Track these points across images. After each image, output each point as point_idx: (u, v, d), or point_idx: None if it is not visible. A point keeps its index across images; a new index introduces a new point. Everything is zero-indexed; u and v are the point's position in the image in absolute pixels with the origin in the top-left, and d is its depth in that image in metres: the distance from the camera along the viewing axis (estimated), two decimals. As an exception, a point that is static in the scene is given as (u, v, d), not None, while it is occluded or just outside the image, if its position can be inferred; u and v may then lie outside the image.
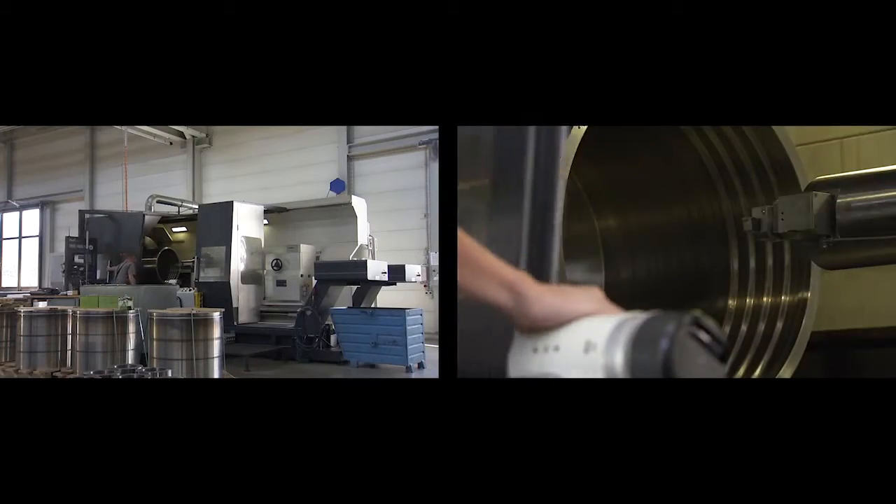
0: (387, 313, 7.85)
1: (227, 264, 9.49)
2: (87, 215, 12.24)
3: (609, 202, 4.09)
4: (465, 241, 1.04)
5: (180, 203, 13.09)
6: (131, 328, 6.30)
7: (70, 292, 10.02)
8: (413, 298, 10.30)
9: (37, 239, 18.97)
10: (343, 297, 8.88)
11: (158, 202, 12.67)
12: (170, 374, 4.83)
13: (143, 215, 11.74)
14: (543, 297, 1.02)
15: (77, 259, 11.15)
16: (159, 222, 12.20)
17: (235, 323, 9.23)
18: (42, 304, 8.47)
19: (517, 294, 1.02)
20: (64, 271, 11.36)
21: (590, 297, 1.03)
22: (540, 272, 1.14)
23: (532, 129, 1.18)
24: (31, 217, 19.19)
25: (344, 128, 12.88)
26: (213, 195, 14.39)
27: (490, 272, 1.03)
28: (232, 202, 9.90)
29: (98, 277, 11.01)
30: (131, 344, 6.28)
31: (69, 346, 6.66)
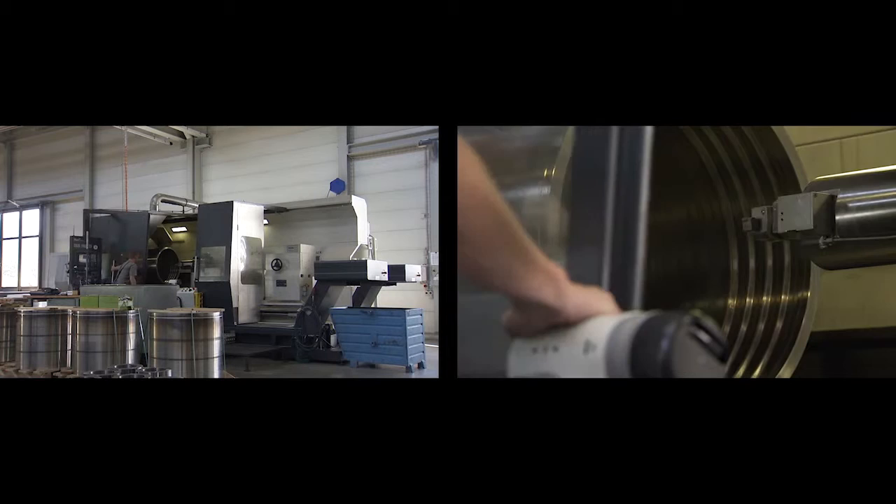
0: (387, 313, 7.85)
1: (227, 264, 9.49)
2: (91, 215, 12.19)
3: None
4: (517, 232, 0.95)
5: (185, 202, 13.06)
6: (131, 328, 6.30)
7: (70, 292, 10.01)
8: (413, 298, 10.30)
9: (37, 239, 18.97)
10: (343, 297, 8.88)
11: (163, 201, 12.62)
12: (170, 374, 4.82)
13: (148, 215, 11.68)
14: (577, 295, 1.01)
15: (81, 259, 11.14)
16: (162, 222, 12.18)
17: (235, 323, 9.23)
18: (42, 304, 8.46)
19: (559, 290, 1.00)
20: (68, 271, 11.36)
21: (607, 296, 1.04)
22: (624, 270, 1.13)
23: (615, 127, 1.15)
24: (31, 217, 19.19)
25: (344, 128, 12.86)
26: (213, 195, 14.37)
27: (538, 266, 0.98)
28: (232, 202, 9.90)
29: (103, 277, 11.01)
30: (131, 344, 6.28)
31: (69, 346, 6.65)
